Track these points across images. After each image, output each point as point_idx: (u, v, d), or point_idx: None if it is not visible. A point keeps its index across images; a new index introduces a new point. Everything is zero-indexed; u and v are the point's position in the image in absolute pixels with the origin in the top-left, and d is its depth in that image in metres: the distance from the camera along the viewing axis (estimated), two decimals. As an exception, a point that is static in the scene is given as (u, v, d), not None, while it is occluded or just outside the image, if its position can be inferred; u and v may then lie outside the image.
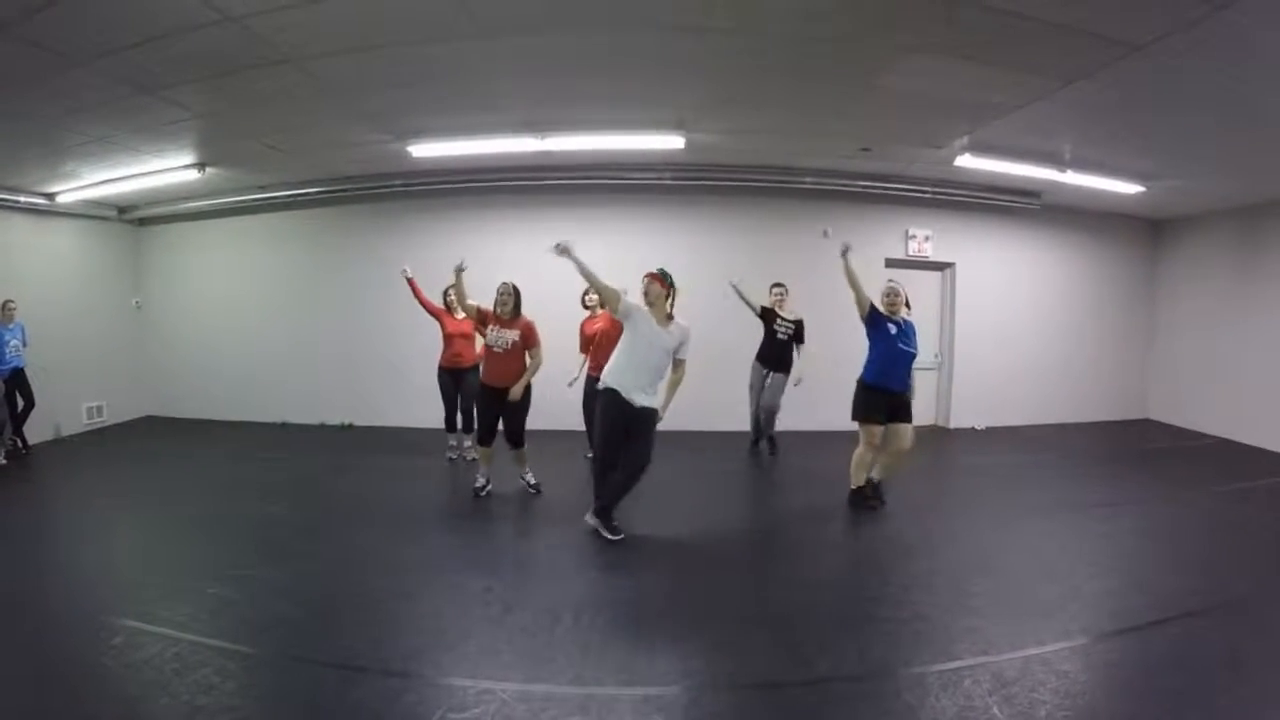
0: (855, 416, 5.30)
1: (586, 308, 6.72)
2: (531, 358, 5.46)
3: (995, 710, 2.70)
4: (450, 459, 7.03)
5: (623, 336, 4.75)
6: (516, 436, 5.60)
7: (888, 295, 5.28)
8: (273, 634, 3.38)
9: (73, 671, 2.98)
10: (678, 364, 4.74)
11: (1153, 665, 3.11)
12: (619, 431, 4.65)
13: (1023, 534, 4.98)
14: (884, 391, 5.21)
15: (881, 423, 5.22)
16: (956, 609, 3.70)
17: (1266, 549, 4.71)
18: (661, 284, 4.66)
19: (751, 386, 7.32)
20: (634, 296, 4.71)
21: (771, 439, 7.39)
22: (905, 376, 5.25)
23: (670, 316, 4.72)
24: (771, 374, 7.08)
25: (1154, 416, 9.79)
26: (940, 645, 3.29)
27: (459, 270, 5.50)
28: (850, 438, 5.44)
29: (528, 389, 5.48)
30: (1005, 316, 9.13)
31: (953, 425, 8.98)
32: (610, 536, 4.68)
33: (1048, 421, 9.29)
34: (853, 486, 5.41)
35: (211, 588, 3.85)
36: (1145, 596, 3.86)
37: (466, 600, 3.77)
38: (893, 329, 5.20)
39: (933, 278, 9.12)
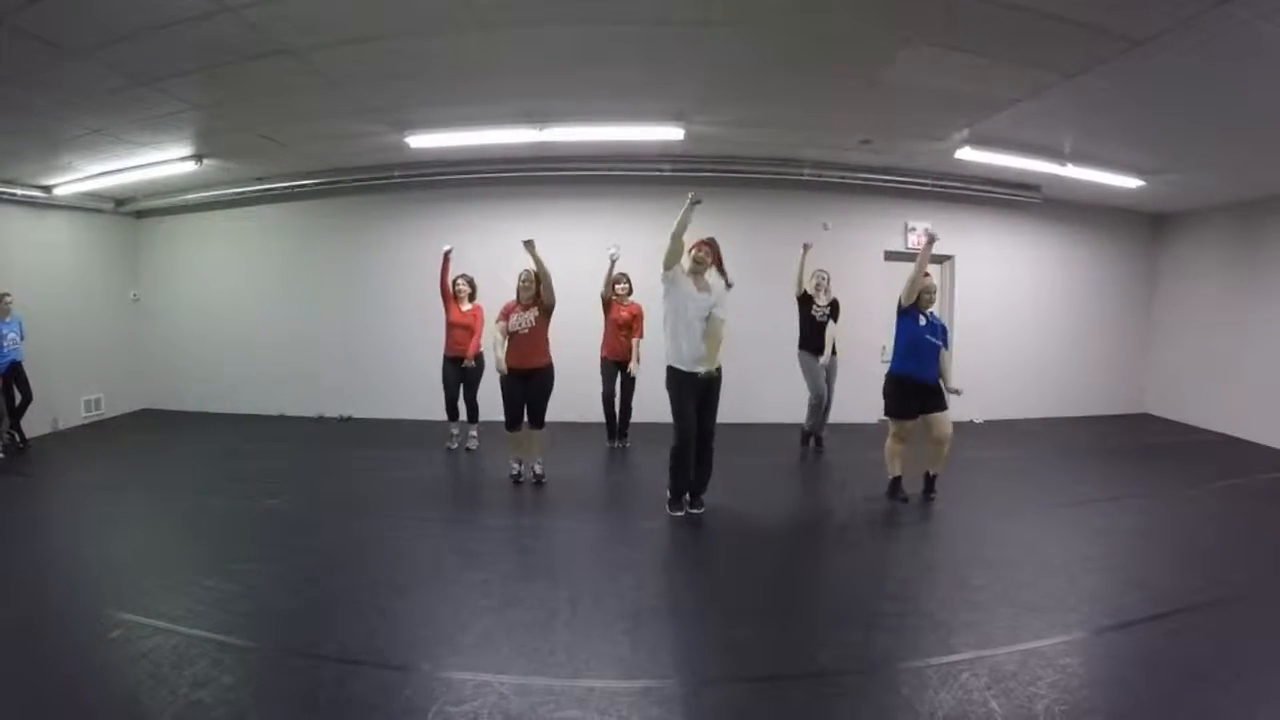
0: (887, 413, 5.52)
1: (616, 295, 6.87)
2: (545, 308, 5.55)
3: (993, 704, 2.70)
4: (449, 448, 7.07)
5: (664, 314, 4.94)
6: (539, 417, 5.69)
7: (928, 291, 5.41)
8: (270, 627, 3.39)
9: (71, 664, 2.98)
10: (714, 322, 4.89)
11: (1150, 660, 3.11)
12: (688, 404, 4.84)
13: (1021, 528, 4.98)
14: (913, 382, 5.36)
15: (913, 417, 5.40)
16: (955, 603, 3.70)
17: (1265, 545, 4.71)
18: (710, 249, 5.01)
19: (813, 374, 7.00)
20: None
21: (819, 437, 7.23)
22: (931, 366, 5.38)
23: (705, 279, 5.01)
24: (824, 358, 6.94)
25: (1152, 411, 9.80)
26: (939, 639, 3.29)
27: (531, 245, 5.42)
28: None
29: (552, 371, 5.63)
30: (1004, 310, 9.12)
31: (951, 418, 8.95)
32: (696, 510, 5.05)
33: (1046, 415, 9.30)
34: (890, 476, 5.55)
35: (209, 581, 3.84)
36: (1143, 591, 3.86)
37: (464, 593, 3.77)
38: (922, 320, 5.35)
39: (932, 270, 9.03)
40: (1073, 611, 3.59)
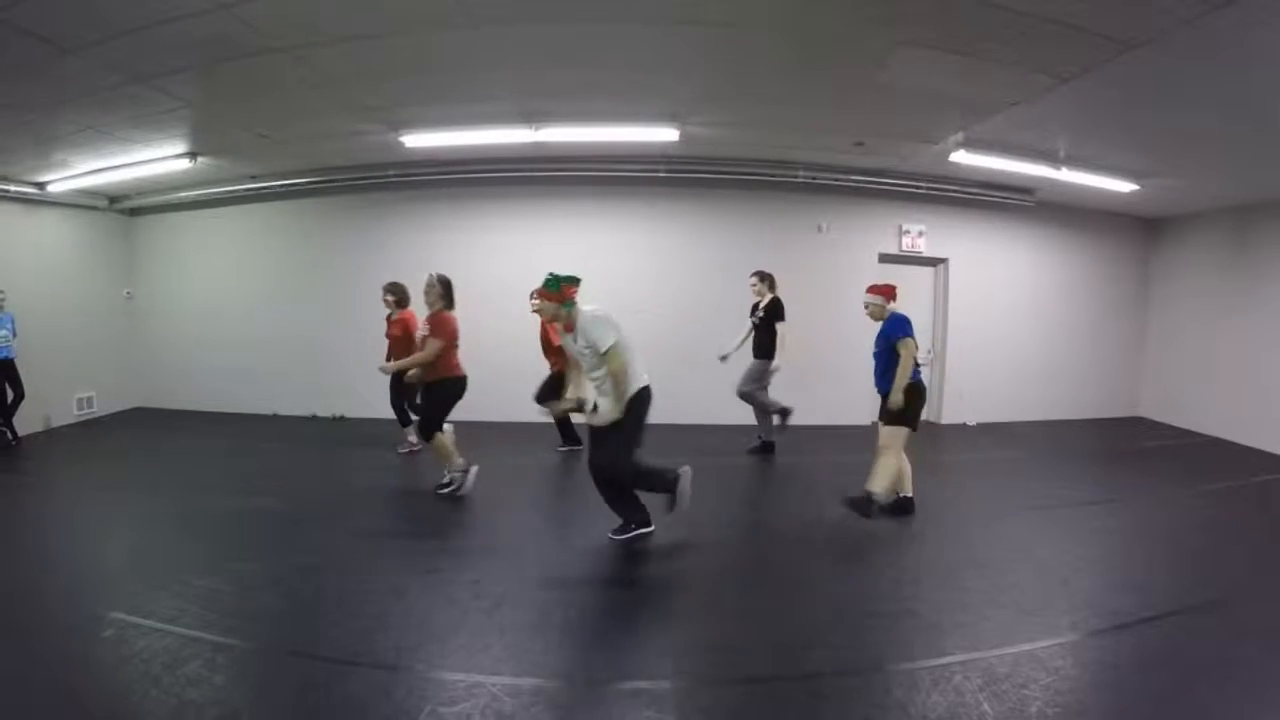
0: (907, 423, 5.03)
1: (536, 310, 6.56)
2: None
3: (985, 706, 2.71)
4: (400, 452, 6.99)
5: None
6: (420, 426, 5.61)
7: (865, 307, 5.12)
8: (262, 627, 3.38)
9: (62, 664, 2.96)
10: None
11: (1142, 662, 3.12)
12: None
13: (1014, 530, 4.99)
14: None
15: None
16: (948, 605, 3.70)
17: (1257, 547, 4.74)
18: (552, 296, 4.15)
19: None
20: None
21: (766, 442, 7.00)
22: (879, 377, 5.09)
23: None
24: (775, 362, 6.64)
25: (1145, 414, 9.83)
26: (931, 641, 3.30)
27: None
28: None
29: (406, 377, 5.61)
30: (998, 313, 9.14)
31: (945, 421, 8.99)
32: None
33: (1040, 418, 9.32)
34: (902, 495, 5.24)
35: (202, 580, 3.83)
36: (1136, 594, 3.88)
37: (456, 594, 3.75)
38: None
39: (925, 273, 9.12)
40: (1066, 613, 3.60)
